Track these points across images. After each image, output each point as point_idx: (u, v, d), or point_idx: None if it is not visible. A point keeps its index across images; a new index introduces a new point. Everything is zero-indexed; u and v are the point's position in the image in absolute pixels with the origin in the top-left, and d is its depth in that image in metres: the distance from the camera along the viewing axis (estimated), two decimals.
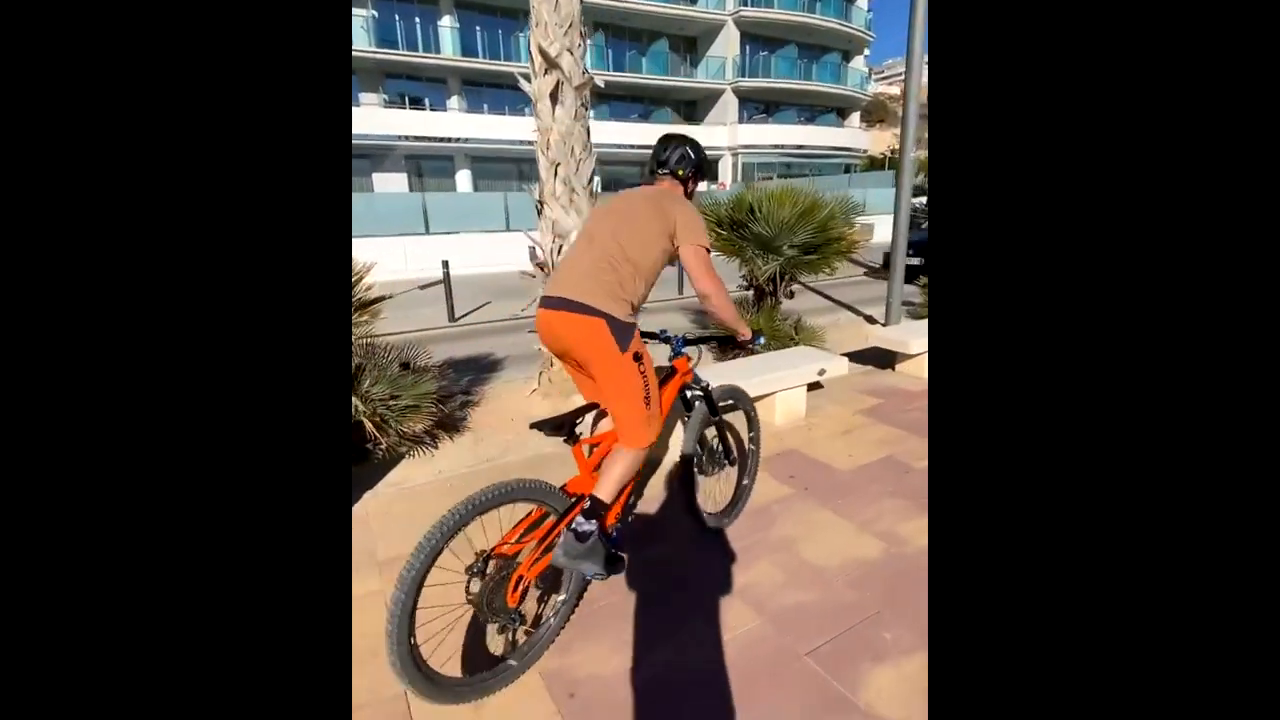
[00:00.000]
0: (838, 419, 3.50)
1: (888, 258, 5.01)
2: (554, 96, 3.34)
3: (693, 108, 26.09)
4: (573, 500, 1.71)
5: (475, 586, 1.55)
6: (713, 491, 2.43)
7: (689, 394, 2.21)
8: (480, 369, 4.95)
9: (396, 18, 18.69)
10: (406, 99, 20.11)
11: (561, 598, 1.81)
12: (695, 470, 2.21)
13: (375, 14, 18.24)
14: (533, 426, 1.67)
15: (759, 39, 24.45)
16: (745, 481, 2.51)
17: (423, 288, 9.96)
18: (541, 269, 3.63)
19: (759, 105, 25.81)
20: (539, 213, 3.57)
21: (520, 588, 1.62)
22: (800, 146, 25.50)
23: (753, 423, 2.50)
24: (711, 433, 2.37)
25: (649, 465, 2.84)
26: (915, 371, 4.21)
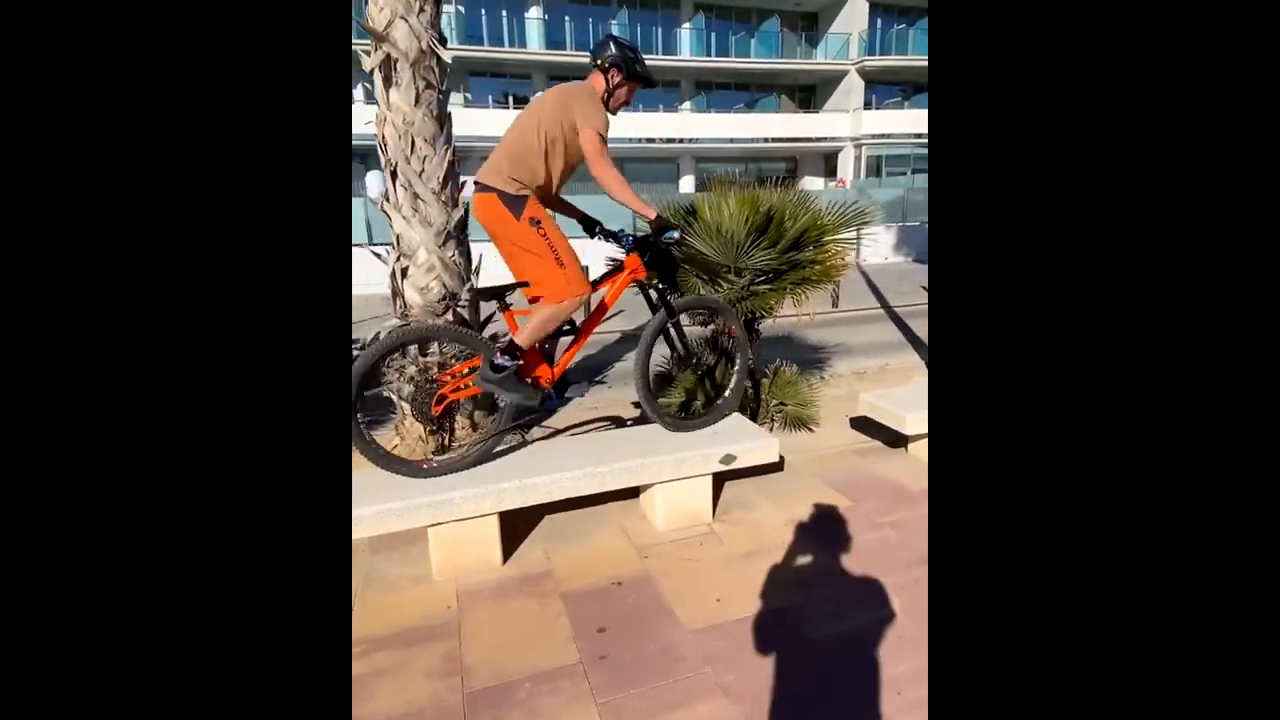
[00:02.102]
0: (759, 527, 2.62)
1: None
2: (386, 76, 2.86)
3: (810, 93, 24.75)
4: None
5: (407, 392, 2.50)
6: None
7: (650, 292, 2.61)
8: None
9: (482, 12, 19.68)
10: (490, 98, 21.07)
11: (489, 431, 2.53)
12: (671, 370, 2.86)
13: (460, 9, 19.33)
14: (475, 293, 2.56)
15: (891, 9, 22.64)
16: (731, 383, 2.89)
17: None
18: (395, 296, 3.15)
19: (894, 88, 23.84)
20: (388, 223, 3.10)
21: (443, 404, 2.39)
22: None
23: (738, 334, 2.85)
24: (673, 335, 2.73)
25: None
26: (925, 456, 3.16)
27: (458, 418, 3.05)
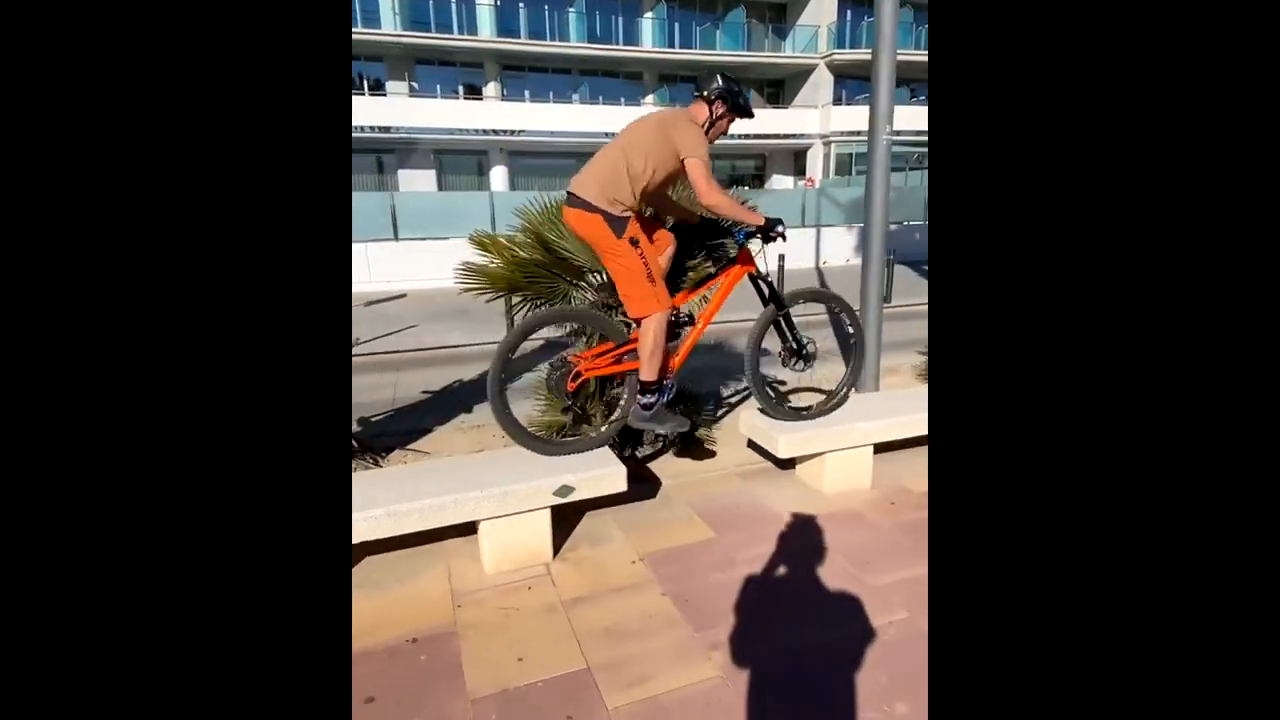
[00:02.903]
0: (601, 567, 2.41)
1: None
2: None
3: (779, 88, 24.82)
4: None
5: (548, 373, 2.67)
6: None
7: (761, 285, 2.89)
8: None
9: None
10: (439, 87, 20.70)
11: (614, 417, 2.77)
12: (782, 360, 3.03)
13: None
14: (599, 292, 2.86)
15: (863, 2, 22.82)
16: (844, 381, 3.12)
17: (368, 304, 9.71)
18: None
19: (865, 83, 24.02)
20: None
21: (577, 381, 2.60)
22: (920, 133, 23.37)
23: (852, 321, 3.15)
24: (783, 326, 2.97)
25: None
26: (815, 483, 2.98)
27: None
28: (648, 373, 2.56)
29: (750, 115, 2.75)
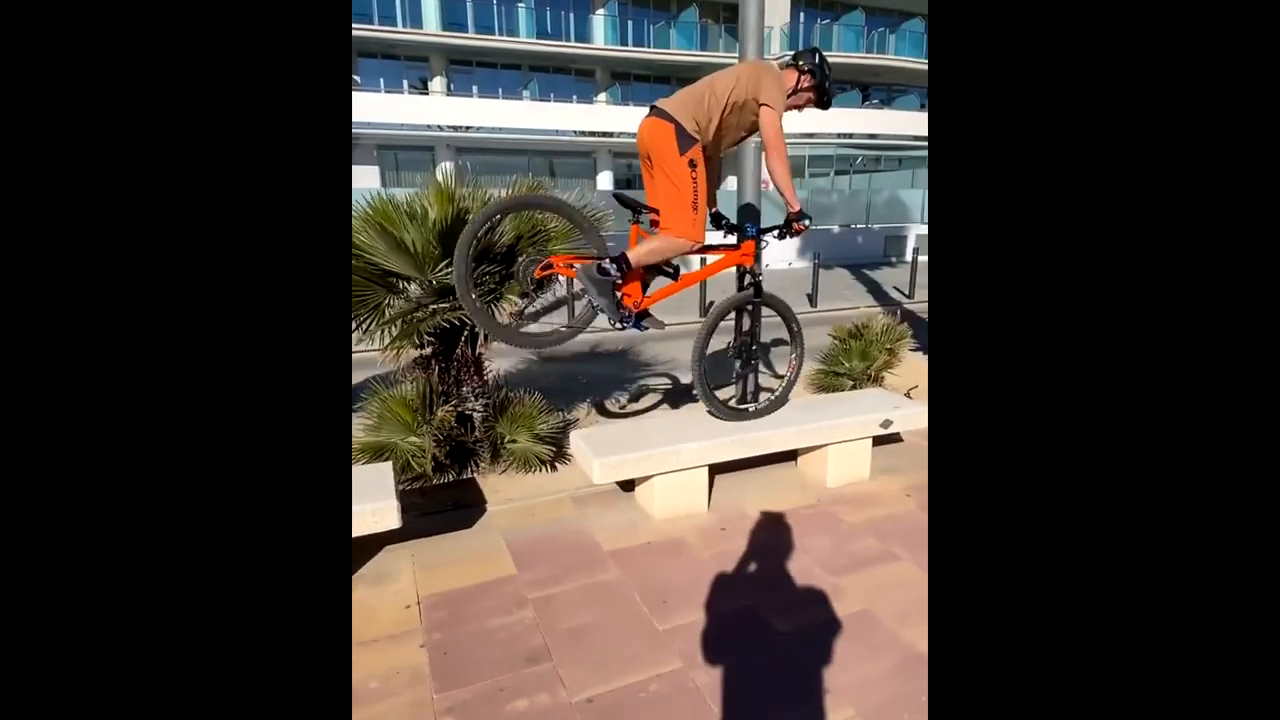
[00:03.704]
0: (371, 615, 2.16)
1: None
2: None
3: None
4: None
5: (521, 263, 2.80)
6: None
7: (748, 276, 2.96)
8: None
9: None
10: (383, 81, 20.16)
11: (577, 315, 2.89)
12: (731, 353, 3.19)
13: None
14: (613, 194, 2.94)
15: (814, 2, 22.92)
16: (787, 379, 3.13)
17: None
18: None
19: None
20: None
21: (544, 272, 2.74)
22: (873, 136, 23.51)
23: (795, 337, 3.14)
24: (750, 317, 3.15)
25: None
26: (649, 507, 2.77)
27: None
28: (635, 255, 2.60)
29: (827, 106, 2.81)
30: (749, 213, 3.37)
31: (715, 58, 22.42)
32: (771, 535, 2.61)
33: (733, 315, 3.06)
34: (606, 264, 2.58)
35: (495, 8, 20.28)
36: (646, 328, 2.85)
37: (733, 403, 3.30)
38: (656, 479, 2.67)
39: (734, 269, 3.01)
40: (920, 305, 9.46)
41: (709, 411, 2.93)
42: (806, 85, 2.70)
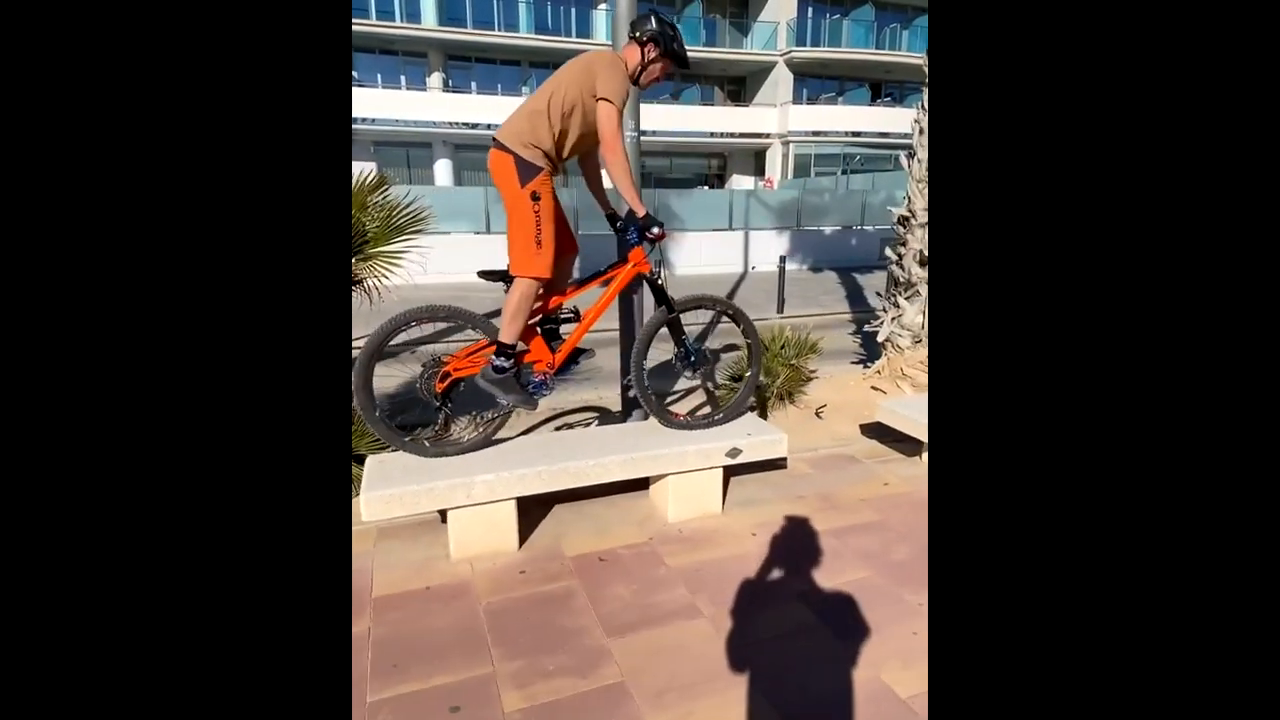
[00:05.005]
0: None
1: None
2: None
3: (740, 85, 24.35)
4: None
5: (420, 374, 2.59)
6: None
7: (654, 288, 2.76)
8: None
9: None
10: (380, 77, 20.11)
11: (489, 416, 2.65)
12: (676, 367, 2.97)
13: None
14: (480, 274, 2.63)
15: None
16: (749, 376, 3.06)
17: None
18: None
19: (826, 82, 23.55)
20: None
21: (446, 381, 2.55)
22: (883, 135, 22.87)
23: (745, 327, 2.97)
24: (674, 331, 2.86)
25: None
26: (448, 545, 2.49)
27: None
28: (507, 334, 2.45)
29: (686, 64, 2.57)
30: (630, 218, 3.05)
31: (721, 53, 22.01)
32: (571, 582, 2.31)
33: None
34: (494, 360, 2.47)
35: (494, 3, 20.10)
36: (580, 363, 2.78)
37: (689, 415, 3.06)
38: (453, 513, 2.38)
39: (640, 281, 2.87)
40: None
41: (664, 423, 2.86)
42: (654, 55, 2.49)
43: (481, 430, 2.63)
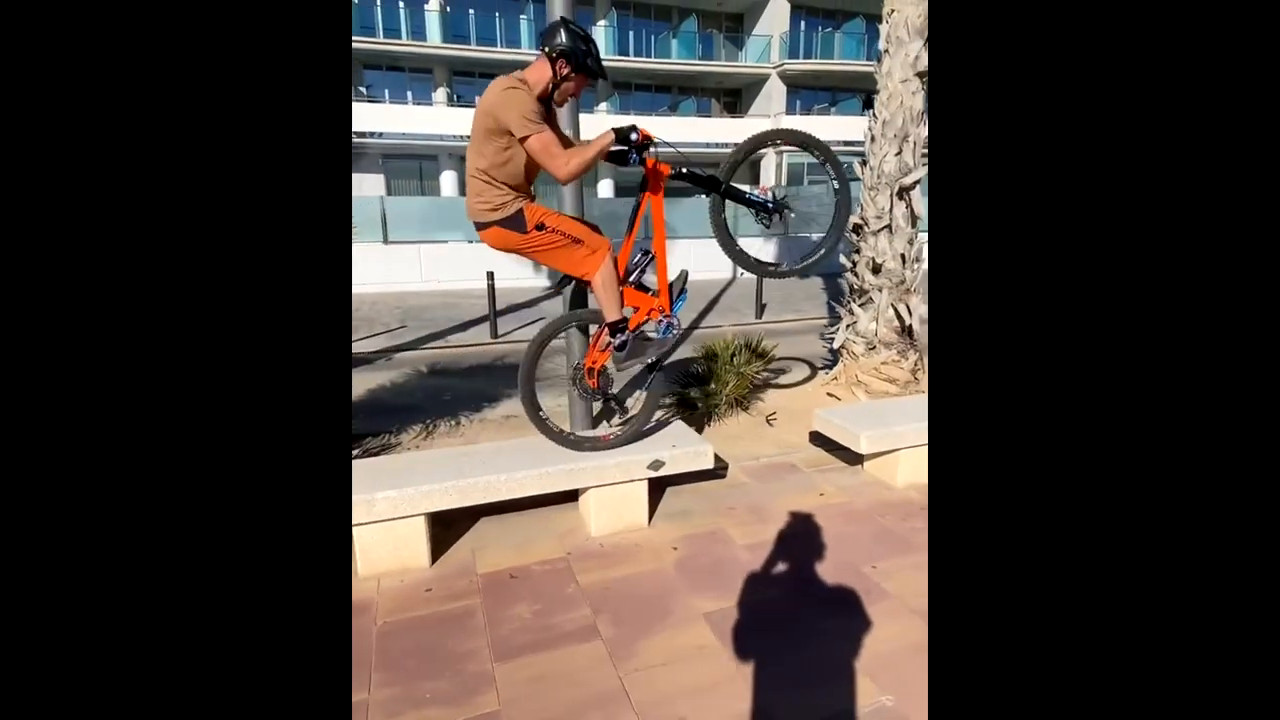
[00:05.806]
0: None
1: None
2: None
3: (736, 97, 24.22)
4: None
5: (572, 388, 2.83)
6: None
7: (685, 177, 2.54)
8: None
9: (376, 2, 18.77)
10: (388, 92, 20.18)
11: (641, 394, 2.85)
12: (764, 222, 2.84)
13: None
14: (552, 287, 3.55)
15: (815, 11, 22.21)
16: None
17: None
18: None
19: (818, 93, 23.38)
20: None
21: (594, 375, 2.71)
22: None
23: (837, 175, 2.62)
24: (735, 198, 2.74)
25: None
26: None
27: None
28: (610, 313, 2.49)
29: (602, 76, 2.36)
30: (616, 153, 2.49)
31: (716, 66, 21.90)
32: (474, 601, 2.18)
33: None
34: (613, 341, 2.54)
35: (496, 20, 20.12)
36: (685, 289, 2.68)
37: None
38: (357, 530, 2.27)
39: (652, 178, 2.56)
40: None
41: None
42: (565, 71, 2.24)
43: (639, 413, 2.73)
